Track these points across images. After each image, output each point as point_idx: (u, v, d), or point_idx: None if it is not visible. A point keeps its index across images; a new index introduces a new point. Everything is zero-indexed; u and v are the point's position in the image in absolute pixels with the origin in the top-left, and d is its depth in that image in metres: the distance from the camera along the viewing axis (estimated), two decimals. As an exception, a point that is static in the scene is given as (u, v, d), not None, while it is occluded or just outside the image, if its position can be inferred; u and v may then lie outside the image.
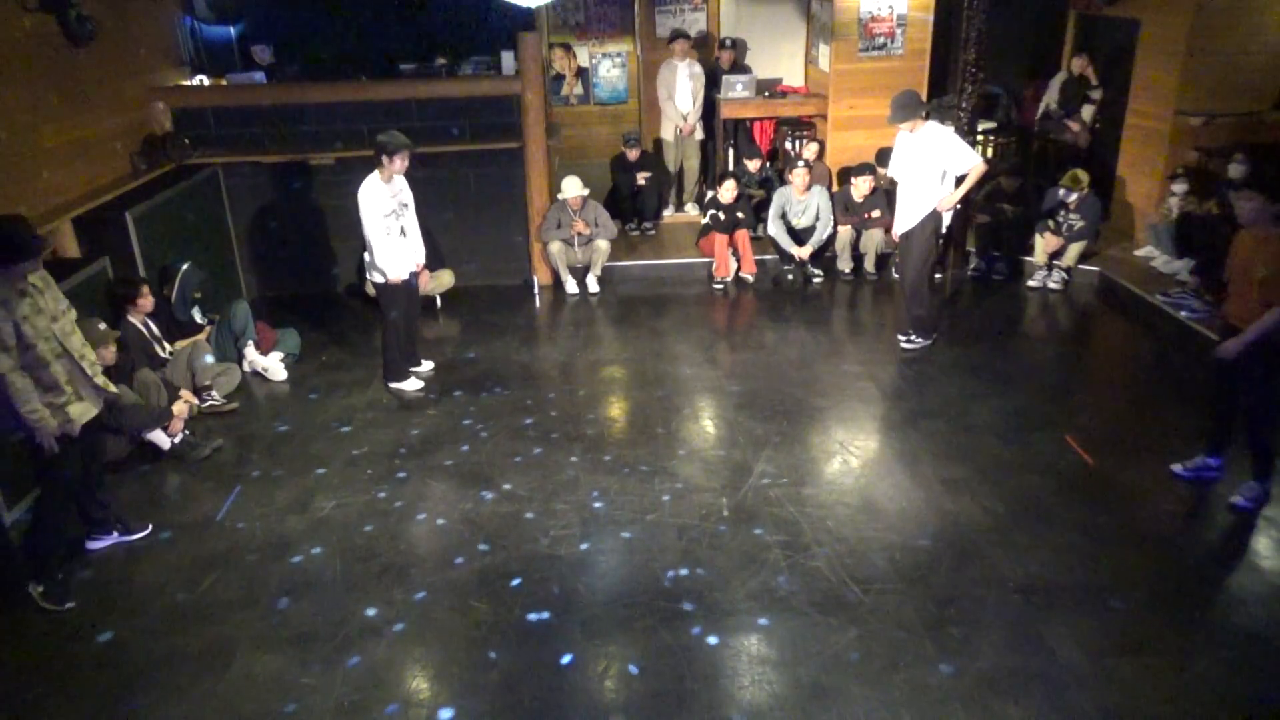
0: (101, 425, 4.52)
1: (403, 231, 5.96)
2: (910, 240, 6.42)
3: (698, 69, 8.99)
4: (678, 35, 9.01)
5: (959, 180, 6.30)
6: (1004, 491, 4.87)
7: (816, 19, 9.46)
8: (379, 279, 5.95)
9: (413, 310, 6.31)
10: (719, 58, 9.48)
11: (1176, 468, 4.93)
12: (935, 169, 6.18)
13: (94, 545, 4.64)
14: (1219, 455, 4.85)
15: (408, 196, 5.99)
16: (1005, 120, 10.14)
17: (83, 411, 4.22)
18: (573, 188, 7.76)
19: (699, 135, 9.19)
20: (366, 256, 5.95)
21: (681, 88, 8.95)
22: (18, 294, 3.94)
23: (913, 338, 6.64)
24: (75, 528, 4.62)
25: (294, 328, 6.99)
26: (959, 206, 6.98)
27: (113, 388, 4.47)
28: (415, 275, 6.13)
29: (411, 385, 6.27)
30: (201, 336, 6.23)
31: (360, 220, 5.80)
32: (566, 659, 3.79)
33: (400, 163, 5.76)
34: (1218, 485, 4.82)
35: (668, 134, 9.22)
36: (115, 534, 4.68)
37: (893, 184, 6.67)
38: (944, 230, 6.76)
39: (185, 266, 6.25)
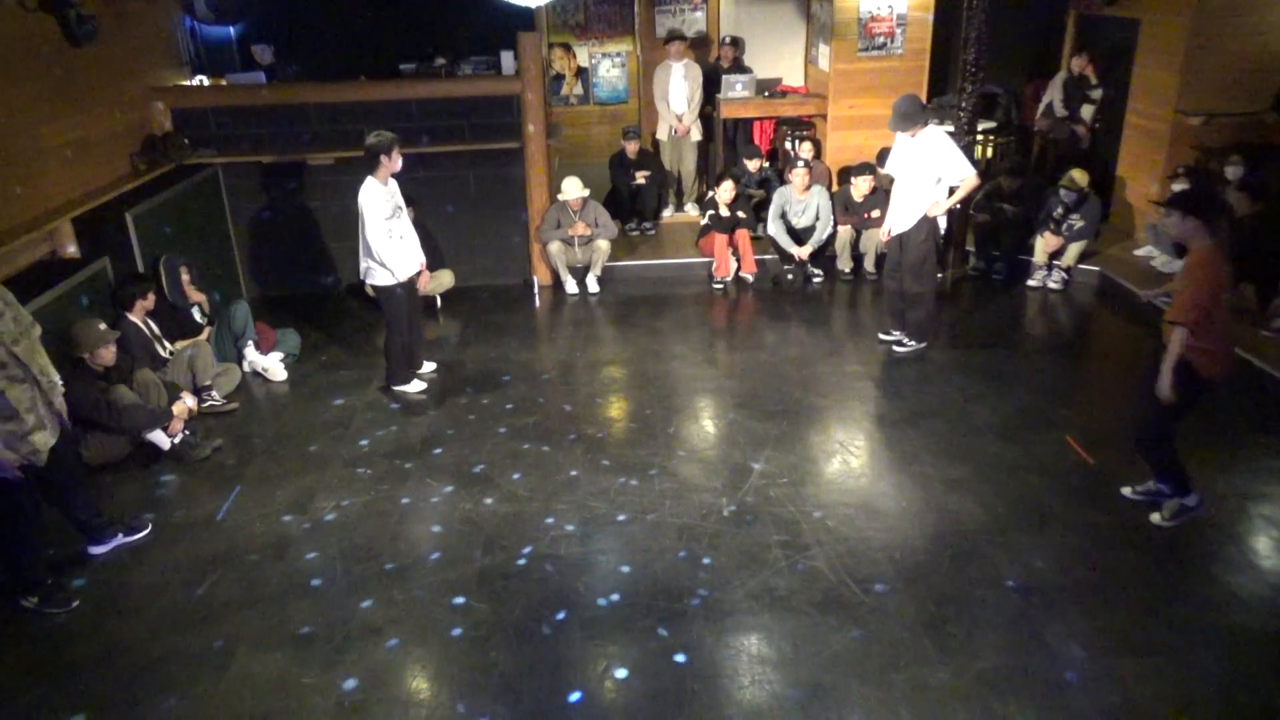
0: (68, 442, 4.31)
1: (400, 235, 5.95)
2: (906, 244, 6.40)
3: (694, 70, 8.98)
4: (674, 36, 9.02)
5: (953, 187, 6.29)
6: (1004, 491, 4.87)
7: (816, 19, 9.46)
8: (381, 282, 5.93)
9: (414, 312, 6.30)
10: (720, 55, 9.48)
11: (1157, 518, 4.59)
12: (931, 174, 6.16)
13: (97, 550, 4.57)
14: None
15: (400, 199, 5.97)
16: (1005, 120, 10.13)
17: (48, 440, 4.06)
18: (573, 189, 7.76)
19: (695, 136, 9.18)
20: (363, 262, 5.91)
21: (675, 89, 8.95)
22: None
23: (904, 340, 6.63)
24: (63, 534, 4.63)
25: (294, 328, 7.00)
26: (958, 207, 6.98)
27: (64, 414, 4.25)
28: (415, 276, 6.12)
29: (414, 387, 6.26)
30: (201, 336, 6.24)
31: (361, 224, 5.76)
32: (566, 659, 3.79)
33: (398, 158, 5.75)
34: (1218, 491, 4.82)
35: (663, 135, 9.21)
36: (120, 536, 4.63)
37: (892, 182, 6.66)
38: (942, 234, 6.74)
39: (162, 259, 6.29)
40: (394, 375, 6.24)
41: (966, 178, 6.21)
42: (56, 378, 4.23)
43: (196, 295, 6.53)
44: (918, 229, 6.31)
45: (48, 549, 4.53)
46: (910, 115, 6.07)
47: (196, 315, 6.42)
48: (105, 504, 4.87)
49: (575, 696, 3.61)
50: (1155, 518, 4.54)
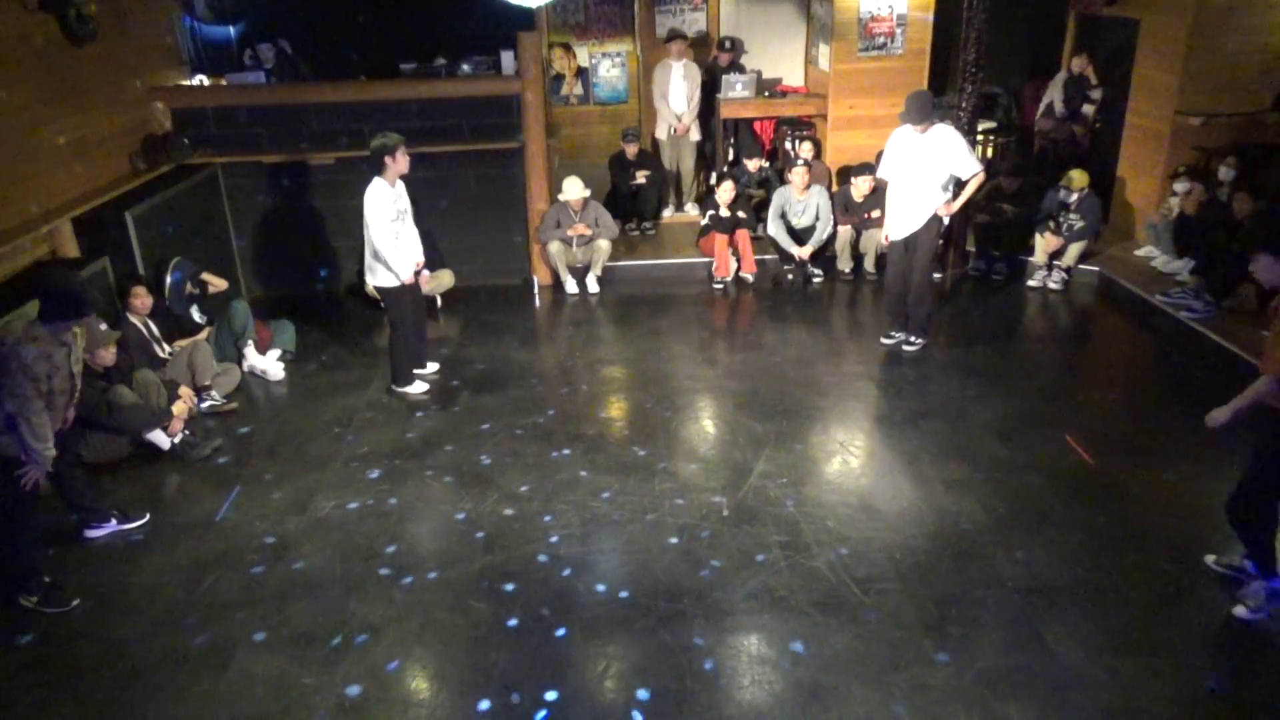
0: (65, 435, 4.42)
1: (400, 236, 5.94)
2: (916, 243, 6.38)
3: (694, 70, 8.97)
4: (674, 35, 9.01)
5: (959, 185, 6.29)
6: (1004, 491, 4.87)
7: (816, 19, 9.46)
8: (385, 283, 5.92)
9: (419, 312, 6.30)
10: (716, 58, 9.47)
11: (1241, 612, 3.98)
12: (943, 172, 6.16)
13: (93, 533, 4.66)
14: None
15: (406, 203, 5.94)
16: (1005, 120, 10.14)
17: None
18: (573, 189, 7.75)
19: (694, 136, 9.17)
20: (369, 260, 5.91)
21: (675, 88, 8.94)
22: (60, 344, 4.03)
23: (911, 339, 6.63)
24: (62, 533, 4.63)
25: (286, 319, 6.95)
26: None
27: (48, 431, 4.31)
28: (417, 274, 6.11)
29: (417, 388, 6.25)
30: (201, 336, 6.23)
31: (366, 225, 5.74)
32: (566, 659, 3.79)
33: (403, 159, 5.71)
34: (1219, 491, 4.80)
35: (661, 134, 9.21)
36: (114, 522, 4.70)
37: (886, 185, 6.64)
38: (944, 229, 6.75)
39: (175, 261, 6.28)
40: (397, 376, 6.23)
41: (976, 174, 6.23)
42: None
43: (218, 282, 6.64)
44: (927, 228, 6.30)
45: (47, 549, 4.55)
46: (926, 109, 6.06)
47: (195, 315, 6.41)
48: (104, 503, 4.87)
49: (575, 697, 3.61)
50: (1239, 610, 3.89)
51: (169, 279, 6.26)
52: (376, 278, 5.92)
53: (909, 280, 6.52)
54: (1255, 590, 3.93)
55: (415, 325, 6.24)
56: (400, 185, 5.84)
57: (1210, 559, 4.22)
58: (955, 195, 6.34)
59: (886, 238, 6.62)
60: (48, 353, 3.95)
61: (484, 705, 3.57)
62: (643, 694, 3.60)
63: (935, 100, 6.23)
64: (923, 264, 6.42)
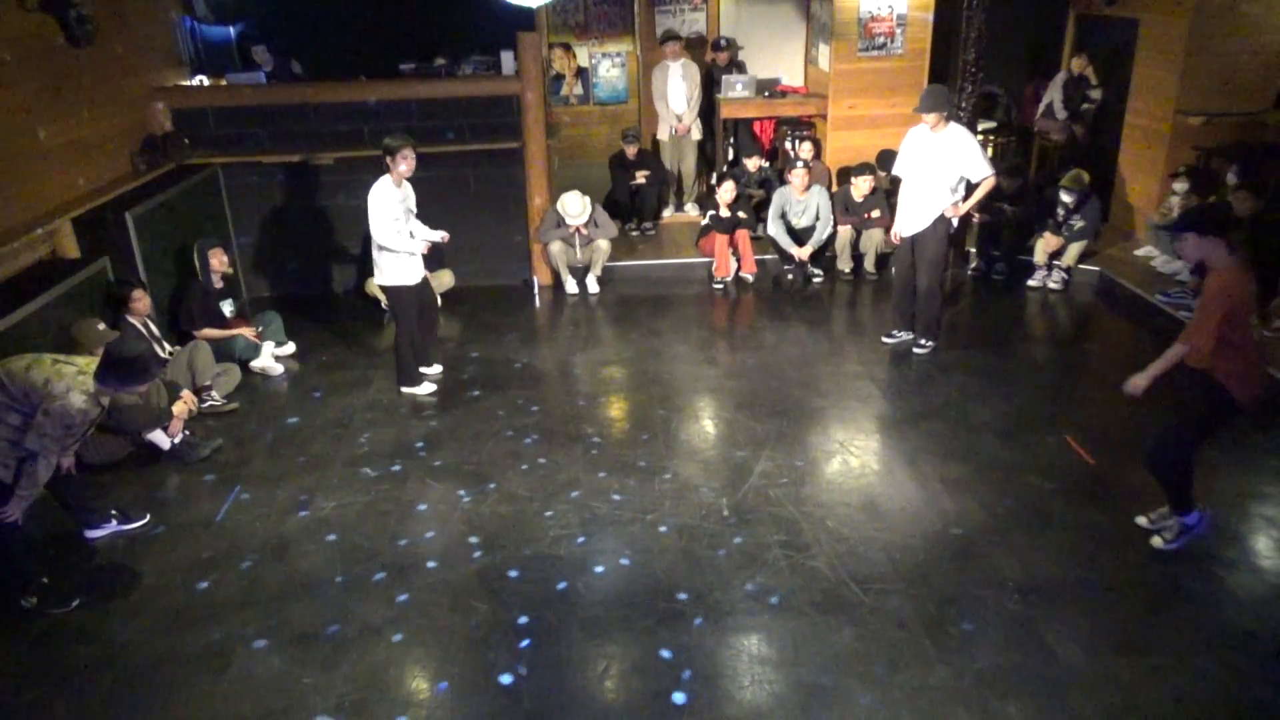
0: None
1: (410, 236, 5.94)
2: (923, 242, 6.36)
3: (692, 69, 8.97)
4: (669, 37, 9.01)
5: (970, 187, 6.28)
6: (1004, 491, 4.87)
7: (816, 19, 9.46)
8: (389, 282, 5.90)
9: (431, 310, 6.29)
10: (714, 59, 9.48)
11: (1150, 530, 4.49)
12: (954, 173, 6.15)
13: (93, 534, 4.67)
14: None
15: (412, 202, 5.93)
16: (1005, 120, 10.14)
17: None
18: (575, 208, 7.69)
19: (695, 136, 9.17)
20: (375, 259, 5.89)
21: (674, 89, 8.94)
22: (98, 405, 4.08)
23: (922, 341, 6.62)
24: (61, 534, 4.63)
25: (271, 311, 6.94)
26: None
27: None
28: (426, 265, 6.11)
29: (424, 389, 6.22)
30: (245, 331, 6.41)
31: (369, 223, 5.73)
32: (566, 659, 3.79)
33: (404, 163, 5.66)
34: (1218, 491, 4.81)
35: (663, 135, 9.22)
36: (114, 523, 4.70)
37: (894, 184, 6.64)
38: (951, 230, 6.76)
39: (195, 244, 6.46)
40: (403, 376, 6.21)
41: (987, 177, 6.22)
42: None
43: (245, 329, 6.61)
44: (934, 228, 6.29)
45: (47, 549, 4.55)
46: (939, 96, 6.06)
47: (227, 308, 6.46)
48: (104, 503, 4.88)
49: (575, 697, 3.61)
50: (1156, 541, 4.36)
51: (196, 261, 6.41)
52: (382, 276, 5.91)
53: (915, 278, 6.51)
54: (1172, 525, 4.34)
55: (426, 324, 6.22)
56: (406, 185, 5.83)
57: (1141, 520, 4.51)
58: (966, 197, 6.33)
59: (896, 236, 6.59)
60: (86, 409, 4.00)
61: (484, 705, 3.58)
62: (642, 694, 3.60)
63: (947, 92, 6.21)
64: (928, 264, 6.39)
